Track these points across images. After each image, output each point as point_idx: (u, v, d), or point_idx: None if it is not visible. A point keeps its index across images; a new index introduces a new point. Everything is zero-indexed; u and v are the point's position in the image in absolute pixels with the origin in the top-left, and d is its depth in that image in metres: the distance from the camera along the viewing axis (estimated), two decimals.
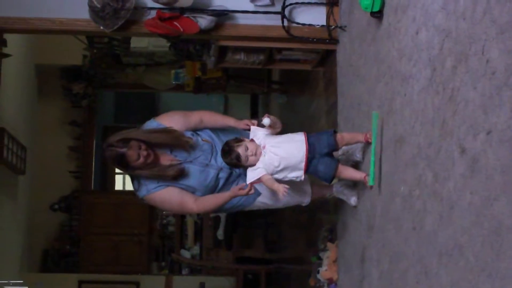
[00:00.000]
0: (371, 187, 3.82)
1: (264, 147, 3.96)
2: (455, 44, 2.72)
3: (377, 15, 3.91)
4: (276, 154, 3.92)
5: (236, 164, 4.02)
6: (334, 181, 4.15)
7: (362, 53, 4.38)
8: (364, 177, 3.93)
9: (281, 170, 3.94)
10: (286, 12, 5.23)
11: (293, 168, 3.94)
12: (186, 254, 11.07)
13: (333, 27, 5.22)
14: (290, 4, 5.24)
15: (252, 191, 4.02)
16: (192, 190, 4.10)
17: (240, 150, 3.93)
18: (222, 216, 9.85)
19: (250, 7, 5.26)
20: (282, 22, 5.20)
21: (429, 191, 2.99)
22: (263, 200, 4.34)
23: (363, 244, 4.16)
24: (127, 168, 3.95)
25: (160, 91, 12.02)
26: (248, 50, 5.90)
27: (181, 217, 11.22)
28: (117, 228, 11.45)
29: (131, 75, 11.29)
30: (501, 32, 2.30)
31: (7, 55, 6.40)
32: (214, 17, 5.14)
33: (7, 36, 6.03)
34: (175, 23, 5.05)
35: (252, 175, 3.98)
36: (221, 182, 4.17)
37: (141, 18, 5.18)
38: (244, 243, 10.47)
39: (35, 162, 10.29)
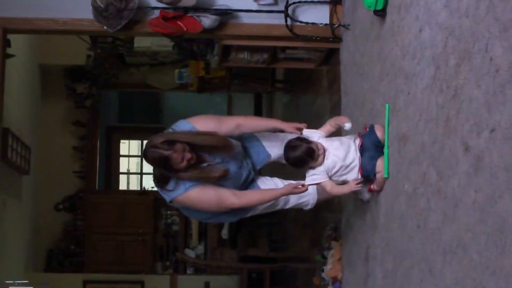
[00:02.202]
0: (386, 179, 3.79)
1: (326, 149, 3.96)
2: (459, 42, 2.72)
3: (380, 13, 3.91)
4: (338, 158, 3.93)
5: (305, 160, 3.94)
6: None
7: (366, 52, 4.38)
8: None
9: (336, 173, 3.97)
10: (290, 11, 5.24)
11: (348, 171, 3.96)
12: (190, 253, 11.07)
13: (336, 25, 5.22)
14: (294, 3, 5.25)
15: (306, 189, 3.99)
16: None
17: (313, 146, 3.92)
18: None
19: (254, 6, 5.26)
20: (286, 21, 5.20)
21: (433, 189, 2.99)
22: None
23: (367, 242, 4.16)
24: (169, 170, 3.88)
25: (164, 91, 12.02)
26: (251, 49, 5.91)
27: (186, 217, 11.23)
28: (121, 228, 11.46)
29: (134, 75, 11.30)
30: (505, 30, 2.30)
31: (11, 56, 6.41)
32: (217, 16, 5.15)
33: (11, 37, 6.04)
34: (178, 22, 5.06)
35: (313, 178, 3.98)
36: (247, 182, 4.17)
37: (145, 18, 5.18)
38: (249, 242, 10.47)
39: (39, 162, 10.31)
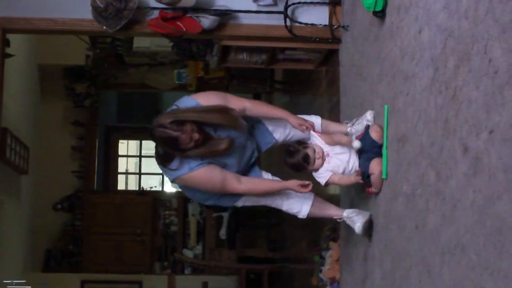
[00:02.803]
0: (383, 180, 3.80)
1: (328, 154, 4.01)
2: (458, 43, 2.72)
3: (380, 14, 3.91)
4: (342, 161, 3.97)
5: (301, 165, 4.03)
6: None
7: (365, 53, 4.38)
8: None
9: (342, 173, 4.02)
10: (289, 11, 5.24)
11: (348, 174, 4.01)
12: (188, 253, 11.07)
13: (335, 26, 5.22)
14: (293, 4, 5.25)
15: (310, 189, 3.98)
16: (228, 169, 4.00)
17: (309, 151, 4.00)
18: (225, 215, 9.85)
19: (253, 7, 5.26)
20: (285, 21, 5.21)
21: (431, 190, 2.99)
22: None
23: (365, 243, 4.17)
24: (176, 150, 3.81)
25: (163, 91, 12.02)
26: (250, 50, 5.91)
27: (184, 217, 11.23)
28: (119, 228, 11.45)
29: (133, 75, 11.30)
30: (503, 31, 2.30)
31: (10, 55, 6.40)
32: (217, 17, 5.15)
33: (10, 36, 6.04)
34: (178, 23, 5.06)
35: (321, 180, 4.04)
36: (250, 163, 4.16)
37: (144, 18, 5.18)
38: (247, 242, 10.48)
39: (38, 162, 10.30)
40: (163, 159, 3.93)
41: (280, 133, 4.29)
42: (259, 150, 4.25)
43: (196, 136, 3.75)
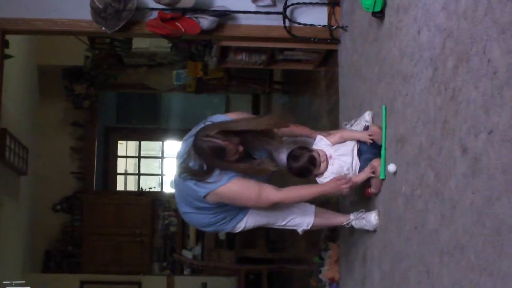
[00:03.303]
0: (383, 180, 3.80)
1: (331, 156, 3.99)
2: (457, 44, 2.72)
3: (379, 15, 3.91)
4: (345, 163, 3.95)
5: (308, 169, 3.98)
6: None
7: (364, 53, 4.38)
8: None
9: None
10: (288, 12, 5.24)
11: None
12: (188, 254, 11.07)
13: (334, 27, 5.23)
14: (292, 4, 5.25)
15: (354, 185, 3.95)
16: None
17: (315, 154, 3.97)
18: None
19: (252, 7, 5.26)
20: (284, 22, 5.21)
21: (430, 191, 2.99)
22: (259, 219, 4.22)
23: (365, 243, 4.17)
24: (222, 160, 3.77)
25: (162, 92, 12.02)
26: (249, 50, 5.91)
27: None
28: (119, 229, 11.45)
29: (133, 76, 11.29)
30: (503, 32, 2.30)
31: (9, 56, 6.41)
32: (215, 17, 5.15)
33: (9, 37, 6.04)
34: (177, 23, 5.06)
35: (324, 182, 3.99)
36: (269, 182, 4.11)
37: (143, 19, 5.18)
38: (246, 243, 10.46)
39: (37, 163, 10.30)
40: (200, 173, 3.85)
41: (284, 154, 4.26)
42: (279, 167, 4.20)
43: (241, 148, 3.75)
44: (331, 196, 4.61)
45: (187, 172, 3.88)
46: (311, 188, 3.98)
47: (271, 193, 3.88)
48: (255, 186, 3.86)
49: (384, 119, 3.78)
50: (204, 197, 3.88)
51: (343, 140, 4.02)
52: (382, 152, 3.77)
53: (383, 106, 3.79)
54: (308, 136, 4.24)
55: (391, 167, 3.57)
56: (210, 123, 3.86)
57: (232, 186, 3.83)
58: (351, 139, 4.00)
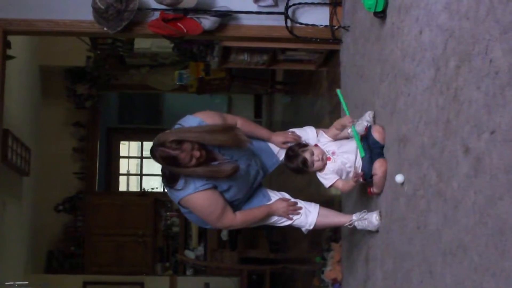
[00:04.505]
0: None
1: (334, 153, 3.99)
2: (459, 44, 2.72)
3: (381, 15, 3.91)
4: (349, 160, 3.94)
5: (301, 170, 4.02)
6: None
7: (366, 53, 4.38)
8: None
9: (347, 174, 3.99)
10: (290, 12, 5.24)
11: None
12: (190, 254, 11.08)
13: (336, 27, 5.22)
14: (294, 5, 5.25)
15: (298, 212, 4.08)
16: (235, 191, 3.95)
17: (307, 155, 3.97)
18: None
19: (254, 7, 5.27)
20: (286, 22, 5.21)
21: (433, 191, 2.99)
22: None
23: (367, 244, 4.17)
24: (178, 168, 3.76)
25: (164, 92, 12.04)
26: (251, 51, 5.91)
27: (185, 218, 11.21)
28: (121, 229, 11.47)
29: (134, 76, 11.32)
30: (505, 32, 2.30)
31: (11, 57, 6.41)
32: (217, 18, 5.15)
33: (11, 38, 6.04)
34: (178, 24, 5.06)
35: (325, 182, 4.01)
36: (257, 183, 4.12)
37: (145, 19, 5.19)
38: (249, 243, 10.48)
39: (39, 164, 10.31)
40: (169, 179, 3.87)
41: (280, 154, 4.28)
42: (265, 171, 4.21)
43: (196, 154, 3.70)
44: (334, 197, 4.61)
45: (162, 179, 3.93)
46: (260, 210, 4.08)
47: (231, 219, 3.96)
48: (220, 208, 3.90)
49: (344, 103, 3.96)
50: (179, 203, 3.93)
51: (338, 132, 4.05)
52: (353, 129, 3.84)
53: (338, 91, 4.02)
54: (266, 139, 4.25)
55: (399, 178, 3.50)
56: (179, 126, 3.89)
57: (197, 198, 3.86)
58: (340, 126, 4.03)
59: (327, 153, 4.00)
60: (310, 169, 4.00)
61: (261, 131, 4.30)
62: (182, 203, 3.92)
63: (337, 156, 3.97)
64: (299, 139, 4.20)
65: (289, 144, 4.17)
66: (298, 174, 4.18)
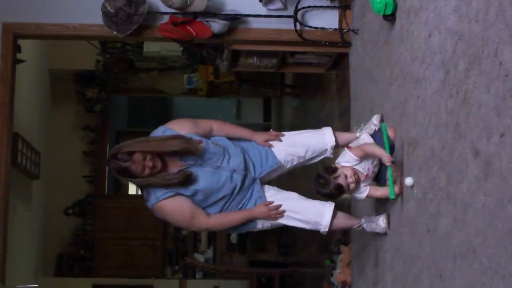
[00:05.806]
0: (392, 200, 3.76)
1: (369, 168, 3.83)
2: (468, 46, 2.72)
3: (390, 18, 3.91)
4: (374, 172, 3.86)
5: (336, 195, 3.80)
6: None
7: (375, 56, 4.38)
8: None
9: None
10: (299, 16, 5.25)
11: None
12: (199, 257, 11.09)
13: (345, 30, 5.23)
14: (303, 8, 5.26)
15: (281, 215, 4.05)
16: (203, 196, 3.92)
17: (341, 180, 3.74)
18: None
19: (263, 11, 5.27)
20: (295, 25, 5.21)
21: (443, 194, 2.99)
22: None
23: (376, 247, 4.16)
24: (133, 179, 3.84)
25: (173, 96, 12.06)
26: (261, 54, 5.92)
27: None
28: (131, 232, 11.48)
29: (144, 80, 11.32)
30: None
31: (21, 61, 6.44)
32: (227, 21, 5.16)
33: (21, 42, 6.07)
34: (188, 27, 5.08)
35: (360, 196, 3.87)
36: (238, 185, 3.99)
37: (154, 23, 5.20)
38: (258, 246, 10.48)
39: (49, 167, 10.34)
40: (140, 189, 3.99)
41: (285, 156, 4.18)
42: (258, 173, 4.11)
43: (149, 164, 3.76)
44: (343, 199, 4.60)
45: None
46: (237, 214, 4.05)
47: (203, 220, 3.96)
48: (188, 211, 3.91)
49: (386, 138, 3.74)
50: (151, 210, 3.99)
51: (365, 155, 3.80)
52: (389, 171, 3.64)
53: (383, 124, 3.80)
54: (248, 139, 4.20)
55: (409, 181, 3.47)
56: (146, 137, 3.96)
57: (162, 207, 3.90)
58: (373, 156, 3.81)
59: (363, 171, 3.82)
60: (347, 192, 3.86)
61: (241, 132, 4.25)
62: (153, 212, 3.98)
63: (371, 172, 3.87)
64: (280, 139, 4.16)
65: (270, 142, 4.14)
66: (337, 198, 3.95)
